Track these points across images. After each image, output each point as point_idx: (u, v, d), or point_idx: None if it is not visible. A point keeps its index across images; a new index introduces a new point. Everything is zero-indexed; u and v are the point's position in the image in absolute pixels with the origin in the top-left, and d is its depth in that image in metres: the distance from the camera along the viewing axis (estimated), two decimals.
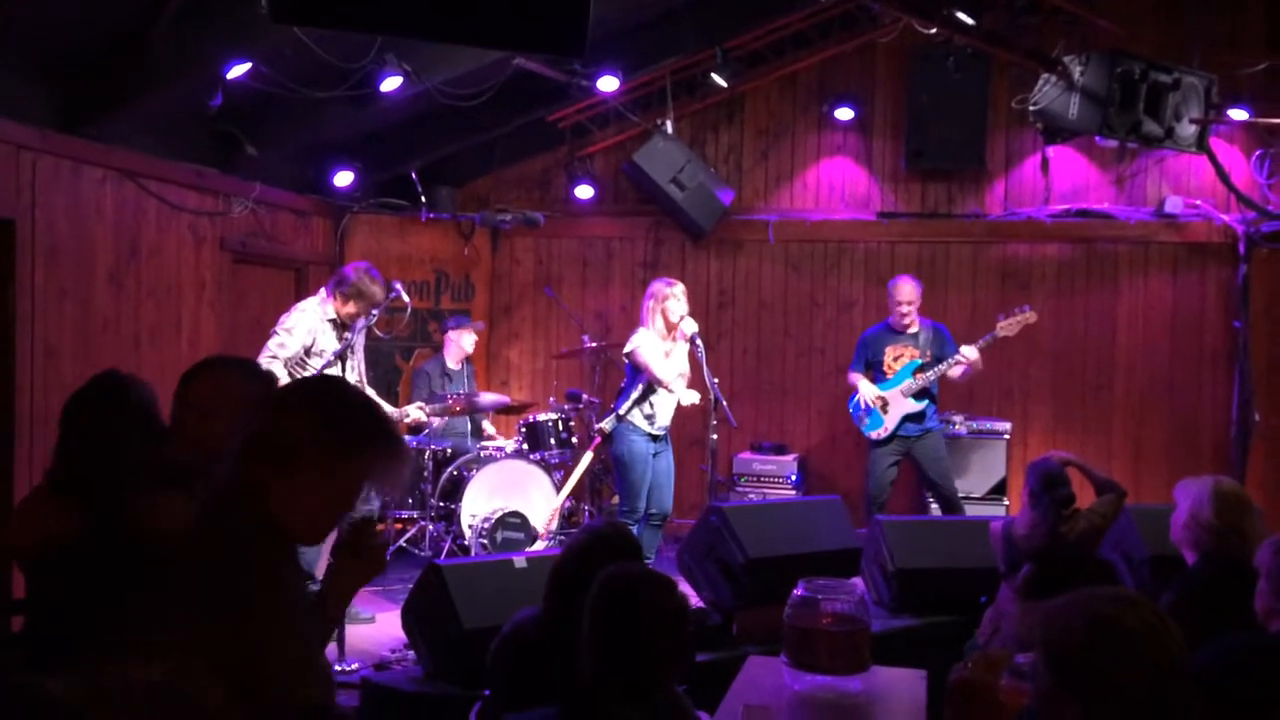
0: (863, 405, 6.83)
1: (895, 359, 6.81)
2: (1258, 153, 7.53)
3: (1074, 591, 2.01)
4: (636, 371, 6.03)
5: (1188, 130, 6.31)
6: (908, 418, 6.75)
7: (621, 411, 5.97)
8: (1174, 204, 7.63)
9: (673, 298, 6.01)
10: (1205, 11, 7.48)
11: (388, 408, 6.15)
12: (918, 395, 6.73)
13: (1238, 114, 6.97)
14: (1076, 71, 6.03)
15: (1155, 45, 7.14)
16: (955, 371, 6.70)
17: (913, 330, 6.82)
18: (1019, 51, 6.37)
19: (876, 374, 6.85)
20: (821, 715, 3.15)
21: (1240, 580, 3.11)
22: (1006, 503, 7.31)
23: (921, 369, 6.73)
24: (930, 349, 6.79)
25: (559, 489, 6.80)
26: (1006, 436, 7.43)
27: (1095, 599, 1.98)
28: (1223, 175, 7.31)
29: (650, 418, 6.02)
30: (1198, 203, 7.64)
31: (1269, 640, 2.87)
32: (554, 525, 6.59)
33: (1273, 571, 2.85)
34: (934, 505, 7.19)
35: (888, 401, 6.75)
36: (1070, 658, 1.92)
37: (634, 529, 5.95)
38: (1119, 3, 7.39)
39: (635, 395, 5.97)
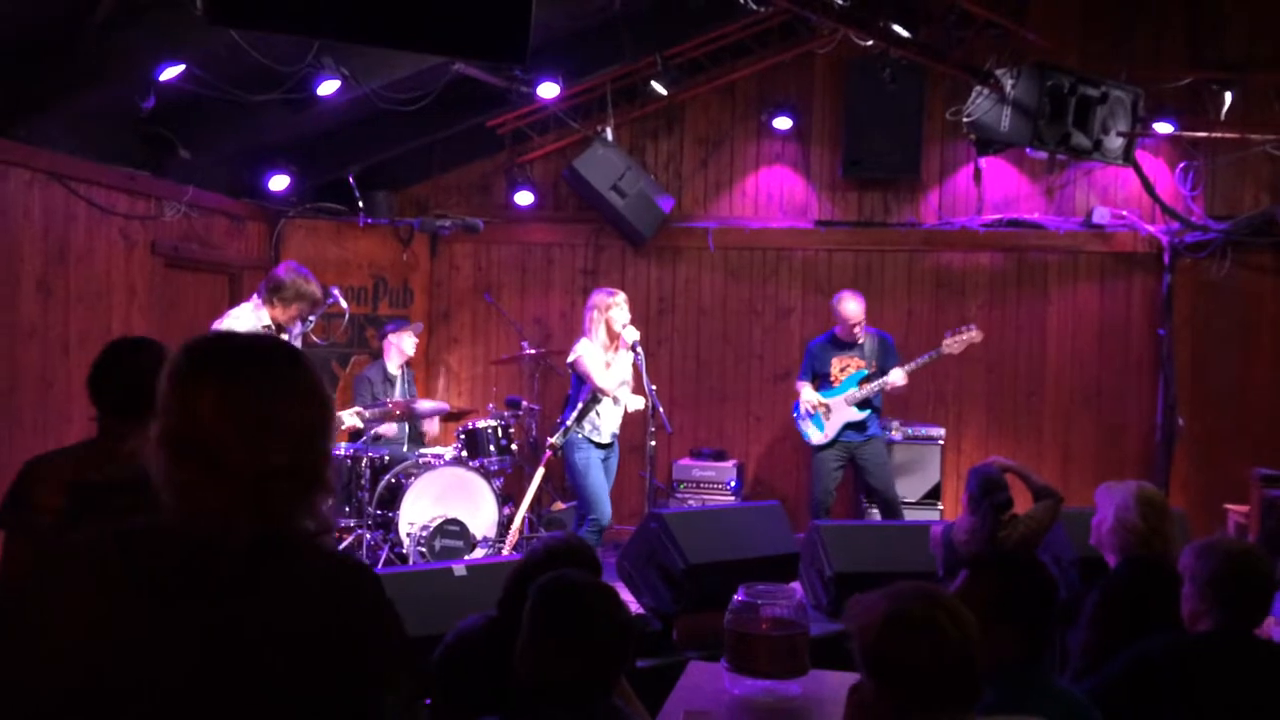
0: (804, 411, 6.90)
1: (841, 369, 6.89)
2: (1181, 165, 7.75)
3: (885, 588, 2.16)
4: (581, 381, 6.06)
5: (1115, 143, 6.48)
6: (849, 425, 6.84)
7: (570, 423, 5.99)
8: (1101, 214, 7.82)
9: (616, 306, 6.05)
10: (1131, 27, 7.70)
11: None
12: (860, 405, 6.81)
13: (1163, 127, 7.17)
14: (1008, 84, 6.17)
15: (1083, 60, 7.33)
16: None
17: (859, 342, 6.90)
18: (953, 64, 6.50)
19: (823, 384, 6.94)
20: None
21: (1161, 582, 3.21)
22: (941, 507, 7.43)
23: (867, 379, 6.80)
24: (875, 359, 6.86)
25: (498, 496, 6.77)
26: (941, 442, 7.56)
27: (894, 594, 2.14)
28: (1148, 187, 7.51)
29: (596, 428, 6.05)
30: (1124, 213, 7.84)
31: (1191, 640, 2.96)
32: (514, 541, 6.54)
33: (1195, 574, 2.94)
34: (872, 510, 7.28)
35: (830, 408, 6.83)
36: (867, 647, 2.09)
37: (596, 537, 5.97)
38: (1048, 18, 7.56)
39: (581, 406, 6.00)
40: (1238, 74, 7.16)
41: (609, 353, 6.07)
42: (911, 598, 2.11)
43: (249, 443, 1.49)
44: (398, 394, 7.19)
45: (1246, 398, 7.68)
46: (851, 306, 6.87)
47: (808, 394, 6.91)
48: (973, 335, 6.84)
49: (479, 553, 6.41)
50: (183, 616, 1.44)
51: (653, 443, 6.02)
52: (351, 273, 8.10)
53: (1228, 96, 7.16)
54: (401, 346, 7.31)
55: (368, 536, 6.80)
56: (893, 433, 7.45)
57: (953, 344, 6.82)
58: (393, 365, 7.35)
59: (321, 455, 1.57)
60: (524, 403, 7.58)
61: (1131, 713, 2.83)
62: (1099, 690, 2.85)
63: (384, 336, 7.39)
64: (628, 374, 6.13)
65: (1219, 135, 7.23)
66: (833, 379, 6.90)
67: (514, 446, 7.13)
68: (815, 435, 6.89)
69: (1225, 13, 7.63)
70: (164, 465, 1.50)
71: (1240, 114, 7.20)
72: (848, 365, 6.89)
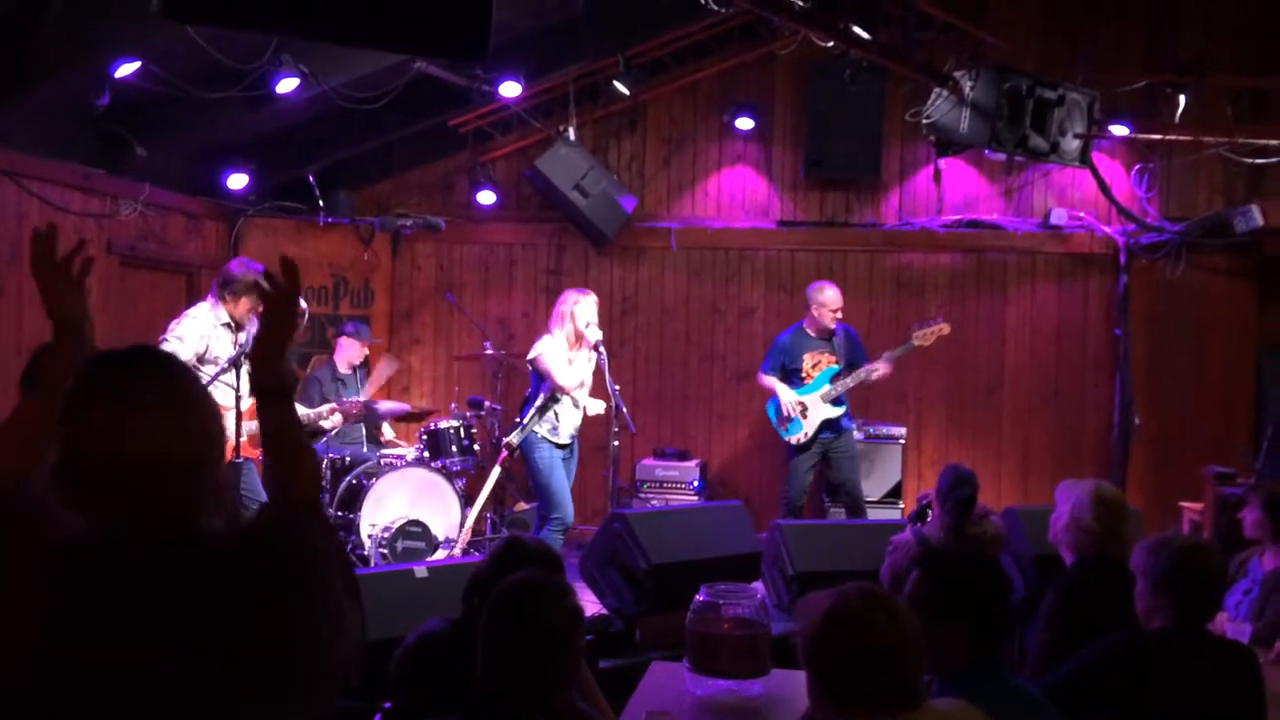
0: (785, 412, 6.85)
1: (814, 365, 6.88)
2: (1137, 167, 7.85)
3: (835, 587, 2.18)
4: (541, 379, 6.04)
5: (1072, 145, 6.56)
6: (825, 423, 6.85)
7: (526, 422, 5.97)
8: (1059, 216, 7.91)
9: (581, 303, 6.07)
10: (1088, 30, 7.79)
11: (303, 409, 6.10)
12: (834, 401, 6.82)
13: (1119, 129, 7.25)
14: (967, 86, 6.22)
15: (1041, 62, 7.41)
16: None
17: (833, 336, 6.91)
18: (912, 66, 6.54)
19: (794, 380, 6.87)
20: (723, 719, 3.18)
21: (1118, 581, 3.24)
22: (902, 505, 7.48)
23: (839, 375, 6.82)
24: (844, 354, 6.88)
25: (460, 497, 6.73)
26: (902, 441, 7.61)
27: (839, 592, 2.15)
28: (1104, 188, 7.60)
29: (555, 428, 6.03)
30: (1081, 215, 7.93)
31: (1145, 637, 2.99)
32: (467, 541, 6.52)
33: (1147, 572, 2.97)
34: (832, 510, 7.31)
35: (807, 406, 6.82)
36: (806, 642, 2.11)
37: (560, 537, 5.95)
38: (1007, 20, 7.63)
39: (539, 404, 5.98)
40: (1192, 77, 7.25)
41: (571, 351, 6.06)
42: (853, 596, 2.11)
43: (133, 454, 1.54)
44: (349, 395, 7.11)
45: (1200, 397, 7.79)
46: (832, 293, 6.87)
47: (786, 394, 6.82)
48: (940, 328, 6.89)
49: (441, 554, 6.38)
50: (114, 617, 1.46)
51: (616, 443, 6.02)
52: (312, 272, 8.02)
53: (1182, 99, 7.26)
54: (349, 351, 7.25)
55: None
56: (854, 431, 7.48)
57: (922, 336, 6.87)
58: (343, 365, 7.28)
59: (188, 460, 1.60)
60: (486, 403, 7.55)
61: (1087, 711, 2.86)
62: (1055, 688, 2.88)
63: (341, 334, 7.33)
64: (588, 375, 6.13)
65: (1174, 138, 7.32)
66: (805, 375, 6.86)
67: (476, 447, 7.10)
68: (794, 435, 6.87)
69: (1180, 17, 7.74)
70: (68, 480, 1.56)
71: (1194, 117, 7.29)
72: (819, 361, 6.87)
